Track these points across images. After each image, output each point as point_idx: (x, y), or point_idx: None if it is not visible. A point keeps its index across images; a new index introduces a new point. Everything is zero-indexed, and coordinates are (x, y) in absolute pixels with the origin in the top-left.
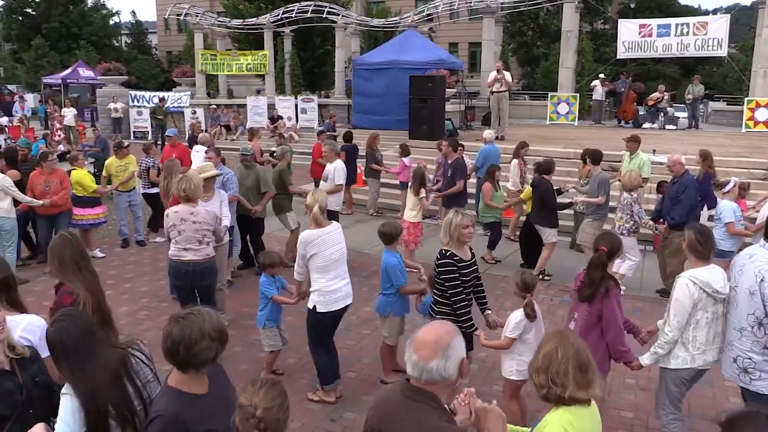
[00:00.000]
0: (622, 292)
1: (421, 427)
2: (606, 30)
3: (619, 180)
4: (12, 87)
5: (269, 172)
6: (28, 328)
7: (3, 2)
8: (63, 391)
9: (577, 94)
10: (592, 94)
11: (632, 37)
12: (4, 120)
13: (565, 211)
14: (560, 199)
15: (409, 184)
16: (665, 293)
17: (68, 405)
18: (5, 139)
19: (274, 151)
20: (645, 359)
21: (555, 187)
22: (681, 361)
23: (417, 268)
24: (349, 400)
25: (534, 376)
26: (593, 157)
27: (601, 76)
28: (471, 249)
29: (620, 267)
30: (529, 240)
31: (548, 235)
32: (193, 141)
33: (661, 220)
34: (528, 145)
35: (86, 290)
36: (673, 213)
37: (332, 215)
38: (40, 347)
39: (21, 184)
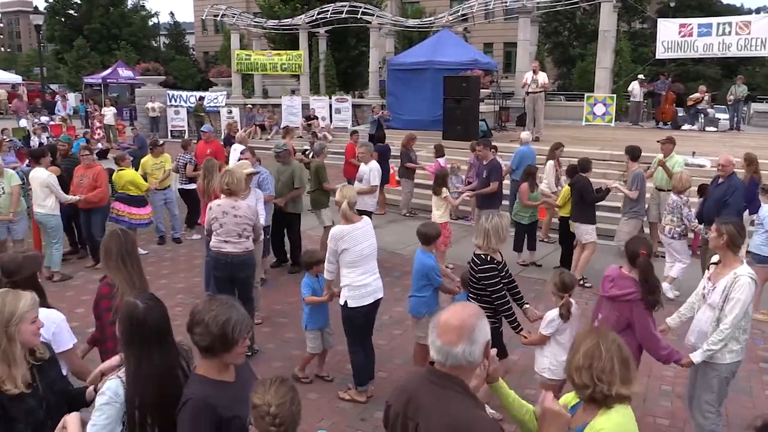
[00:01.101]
0: (675, 296)
1: (453, 417)
2: (644, 30)
3: (612, 187)
4: (54, 86)
5: (305, 170)
6: (45, 322)
7: (47, 4)
8: (107, 383)
9: (614, 95)
10: (629, 95)
11: (672, 36)
12: (46, 118)
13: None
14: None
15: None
16: None
17: (112, 390)
18: (47, 137)
19: (306, 149)
20: (697, 356)
21: (595, 187)
22: (735, 354)
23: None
24: (380, 400)
25: (575, 375)
26: (632, 153)
27: (640, 76)
28: (500, 251)
29: (671, 270)
30: (566, 241)
31: (586, 233)
32: (228, 141)
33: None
34: (563, 145)
35: (126, 284)
36: (721, 217)
37: (366, 215)
38: (56, 341)
39: (61, 180)
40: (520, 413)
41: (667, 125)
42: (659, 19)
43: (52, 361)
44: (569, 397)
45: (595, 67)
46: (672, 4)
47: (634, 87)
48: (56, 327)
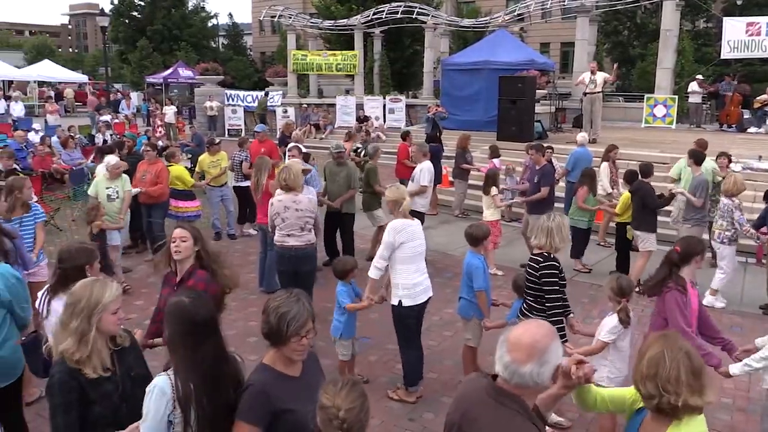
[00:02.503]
0: (723, 306)
1: None
2: (709, 29)
3: (675, 190)
4: (118, 86)
5: (358, 171)
6: None
7: (112, 6)
8: (155, 380)
9: (676, 96)
10: (688, 97)
11: (738, 35)
12: (110, 117)
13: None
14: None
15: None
16: None
17: (159, 388)
18: (111, 135)
19: (358, 148)
20: (734, 369)
21: (657, 193)
22: None
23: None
24: (429, 401)
25: (639, 385)
26: (696, 157)
27: (699, 77)
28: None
29: (713, 281)
30: (622, 247)
31: (645, 241)
32: (284, 141)
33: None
34: (617, 147)
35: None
36: None
37: (418, 216)
38: None
39: (126, 174)
40: (589, 400)
41: (731, 128)
42: (725, 18)
43: (131, 348)
44: (633, 391)
45: (655, 67)
46: (738, 2)
47: (694, 88)
48: None
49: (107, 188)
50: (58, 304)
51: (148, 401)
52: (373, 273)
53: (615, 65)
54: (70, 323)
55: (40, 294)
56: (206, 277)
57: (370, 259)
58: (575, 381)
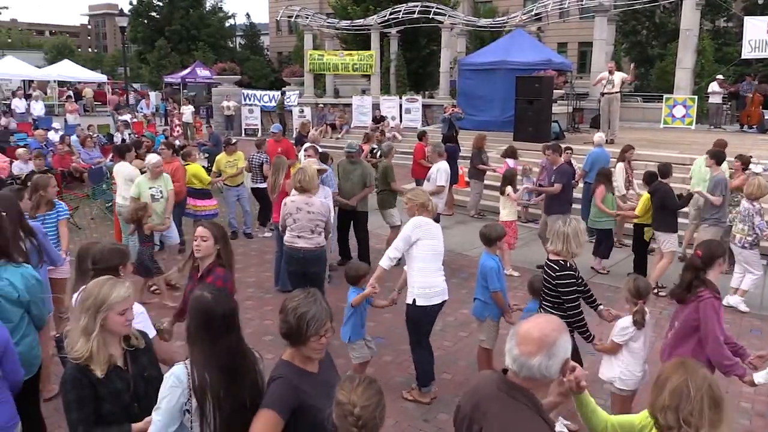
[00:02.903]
0: (747, 310)
1: (515, 429)
2: (729, 28)
3: (694, 192)
4: (136, 85)
5: (373, 169)
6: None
7: (131, 6)
8: (173, 368)
9: (695, 97)
10: (708, 97)
11: (760, 35)
12: (129, 116)
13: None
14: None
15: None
16: None
17: (176, 376)
18: (129, 134)
19: (374, 149)
20: (760, 377)
21: (676, 194)
22: None
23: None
24: (443, 402)
25: (659, 415)
26: (717, 157)
27: (719, 77)
28: None
29: (742, 282)
30: (640, 249)
31: (667, 242)
32: (300, 140)
33: None
34: (633, 148)
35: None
36: None
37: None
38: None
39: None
40: (599, 426)
41: (752, 129)
42: (746, 17)
43: (145, 349)
44: (642, 417)
45: (675, 67)
46: (760, 1)
47: (714, 88)
48: (141, 318)
49: (150, 188)
50: None
51: (164, 388)
52: (383, 262)
53: (632, 65)
54: (80, 320)
55: (75, 295)
56: (224, 274)
57: None
58: (567, 386)
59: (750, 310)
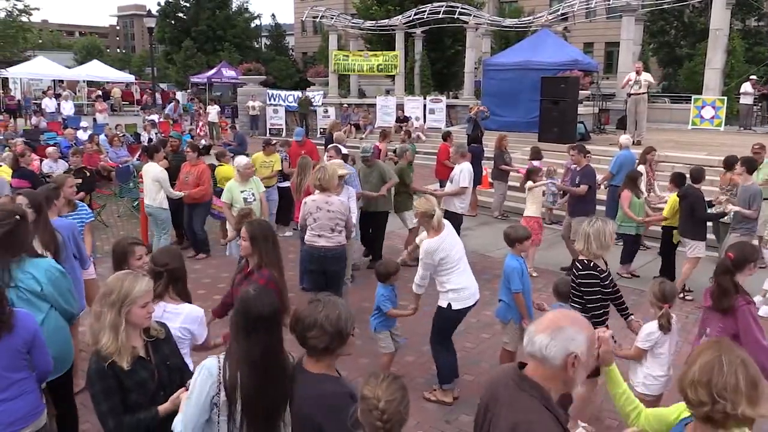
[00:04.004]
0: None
1: (517, 417)
2: (761, 27)
3: (726, 201)
4: (163, 85)
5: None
6: (188, 318)
7: (159, 7)
8: (205, 360)
9: (725, 98)
10: (739, 98)
11: None
12: (156, 117)
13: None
14: (712, 211)
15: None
16: None
17: (207, 369)
18: (156, 133)
19: (396, 149)
20: None
21: (706, 199)
22: None
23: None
24: (466, 403)
25: (689, 390)
26: (749, 165)
27: (753, 77)
28: (604, 258)
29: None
30: (667, 252)
31: (694, 248)
32: (331, 140)
33: None
34: (655, 150)
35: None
36: None
37: (456, 217)
38: (198, 335)
39: (169, 173)
40: (625, 409)
41: None
42: None
43: (166, 339)
44: (681, 408)
45: (704, 67)
46: None
47: (746, 88)
48: (198, 322)
49: (242, 191)
50: (160, 309)
51: (195, 379)
52: (416, 289)
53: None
54: (103, 316)
55: None
56: (267, 275)
57: (404, 264)
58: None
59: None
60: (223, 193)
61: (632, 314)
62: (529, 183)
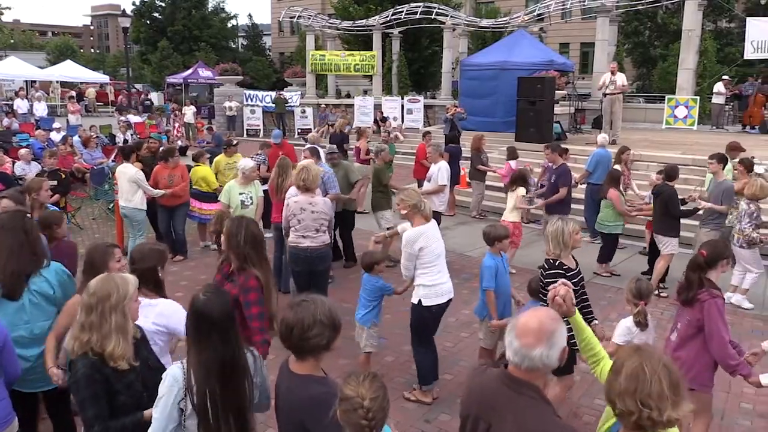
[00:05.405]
0: (751, 307)
1: (531, 425)
2: (732, 29)
3: (694, 197)
4: (139, 86)
5: (353, 166)
6: (164, 312)
7: (134, 7)
8: (169, 368)
9: (698, 97)
10: (712, 97)
11: (762, 36)
12: (133, 117)
13: (687, 222)
14: (685, 207)
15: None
16: None
17: (172, 376)
18: (132, 134)
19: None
20: (765, 379)
21: (680, 197)
22: None
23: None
24: (445, 402)
25: (617, 401)
26: (725, 162)
27: (725, 77)
28: (574, 257)
29: (743, 281)
30: (654, 249)
31: (668, 245)
32: (339, 139)
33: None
34: (630, 149)
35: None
36: None
37: (435, 216)
38: (177, 330)
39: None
40: (586, 353)
41: (754, 129)
42: (748, 18)
43: (143, 339)
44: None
45: (677, 68)
46: (762, 2)
47: (719, 88)
48: (175, 316)
49: (240, 194)
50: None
51: (162, 387)
52: (404, 272)
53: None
54: (105, 323)
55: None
56: (253, 277)
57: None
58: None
59: (751, 310)
60: (222, 193)
61: (595, 318)
62: (521, 190)
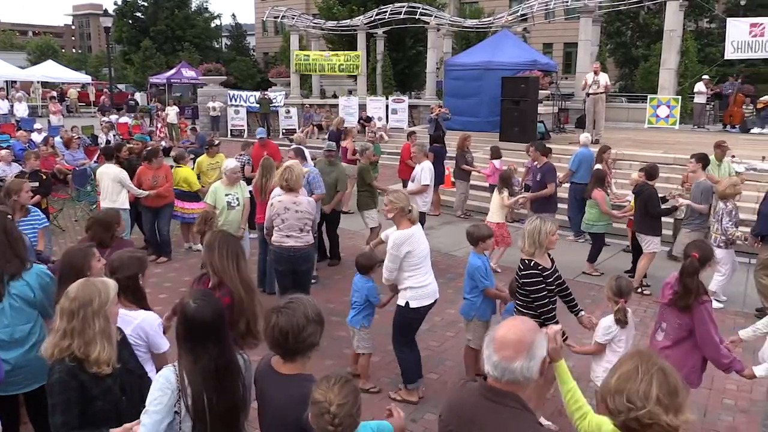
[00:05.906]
0: (721, 306)
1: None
2: (712, 29)
3: (678, 195)
4: (121, 86)
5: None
6: (142, 324)
7: (116, 7)
8: (161, 371)
9: (679, 97)
10: (694, 97)
11: (742, 36)
12: (114, 117)
13: (664, 219)
14: (664, 206)
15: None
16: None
17: (165, 378)
18: (114, 135)
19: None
20: (760, 370)
21: (660, 195)
22: None
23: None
24: (431, 402)
25: (609, 400)
26: (704, 161)
27: (706, 77)
28: (550, 255)
29: (711, 282)
30: (636, 247)
31: (649, 243)
32: (335, 136)
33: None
34: (610, 148)
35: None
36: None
37: (419, 216)
38: (154, 344)
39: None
40: (570, 407)
41: (735, 128)
42: (728, 18)
43: (123, 342)
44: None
45: (659, 68)
46: (742, 3)
47: (700, 88)
48: (153, 330)
49: (227, 195)
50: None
51: (153, 390)
52: (386, 276)
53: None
54: (88, 328)
55: None
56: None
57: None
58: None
59: (733, 308)
60: (208, 194)
61: (582, 310)
62: (506, 192)
